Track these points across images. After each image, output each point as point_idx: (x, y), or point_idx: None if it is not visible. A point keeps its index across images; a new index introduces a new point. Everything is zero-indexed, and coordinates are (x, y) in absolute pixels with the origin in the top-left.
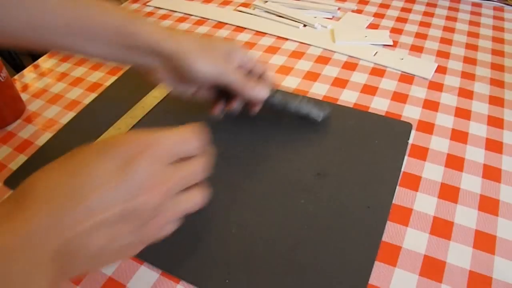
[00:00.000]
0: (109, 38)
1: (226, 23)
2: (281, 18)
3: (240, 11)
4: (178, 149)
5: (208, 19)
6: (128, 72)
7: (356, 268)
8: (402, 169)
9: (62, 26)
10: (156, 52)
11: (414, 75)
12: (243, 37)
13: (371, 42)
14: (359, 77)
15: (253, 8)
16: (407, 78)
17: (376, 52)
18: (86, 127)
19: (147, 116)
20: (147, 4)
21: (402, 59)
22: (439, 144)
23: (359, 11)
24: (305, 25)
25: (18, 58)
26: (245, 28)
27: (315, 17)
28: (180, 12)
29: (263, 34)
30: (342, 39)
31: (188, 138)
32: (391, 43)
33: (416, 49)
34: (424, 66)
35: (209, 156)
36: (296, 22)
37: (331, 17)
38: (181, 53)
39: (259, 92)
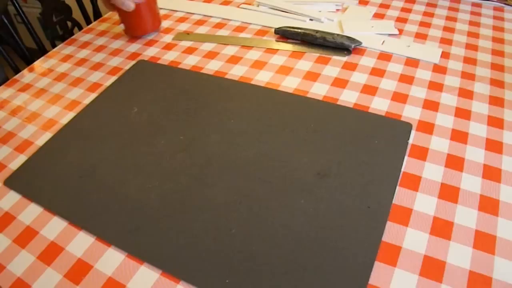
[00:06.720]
0: None
1: (231, 20)
2: (286, 13)
3: (244, 8)
4: None
5: (211, 16)
6: (128, 72)
7: (356, 268)
8: (402, 169)
9: None
10: None
11: (421, 60)
12: (244, 36)
13: (377, 32)
14: (360, 77)
15: (257, 5)
16: (414, 62)
17: (384, 41)
18: (86, 127)
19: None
20: None
21: (409, 46)
22: (439, 144)
23: (364, 3)
24: (311, 19)
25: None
26: (247, 27)
27: (320, 11)
28: (181, 11)
29: (265, 32)
30: (351, 30)
31: None
32: (397, 32)
33: (420, 37)
34: (430, 52)
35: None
36: (302, 16)
37: (335, 10)
38: None
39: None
